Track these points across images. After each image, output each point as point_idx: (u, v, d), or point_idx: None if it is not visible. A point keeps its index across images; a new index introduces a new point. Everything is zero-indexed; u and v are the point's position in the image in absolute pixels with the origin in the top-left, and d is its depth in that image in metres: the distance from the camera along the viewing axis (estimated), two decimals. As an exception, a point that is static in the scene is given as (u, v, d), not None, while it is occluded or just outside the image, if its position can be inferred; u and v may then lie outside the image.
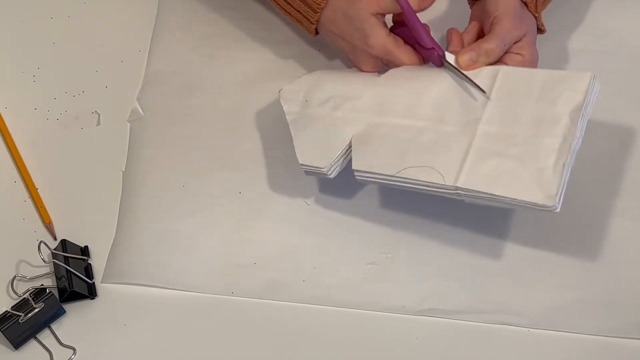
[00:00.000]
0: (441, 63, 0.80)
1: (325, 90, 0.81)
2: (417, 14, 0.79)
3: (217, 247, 0.81)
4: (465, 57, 0.78)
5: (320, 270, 0.80)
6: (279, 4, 0.87)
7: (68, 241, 0.81)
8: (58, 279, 0.79)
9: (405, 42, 0.81)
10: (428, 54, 0.80)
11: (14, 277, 0.79)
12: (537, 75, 0.76)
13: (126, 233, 0.82)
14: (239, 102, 0.91)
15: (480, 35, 0.82)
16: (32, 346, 0.77)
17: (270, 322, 0.78)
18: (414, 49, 0.81)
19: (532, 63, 0.81)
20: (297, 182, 0.85)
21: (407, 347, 0.76)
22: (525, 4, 0.81)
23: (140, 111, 0.90)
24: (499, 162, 0.72)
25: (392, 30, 0.82)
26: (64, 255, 0.79)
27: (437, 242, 0.81)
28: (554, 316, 0.77)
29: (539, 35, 0.84)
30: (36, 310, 0.76)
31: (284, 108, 0.82)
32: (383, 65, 0.82)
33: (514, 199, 0.70)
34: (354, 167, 0.76)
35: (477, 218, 0.82)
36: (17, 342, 0.76)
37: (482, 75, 0.78)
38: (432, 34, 0.80)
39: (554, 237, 0.82)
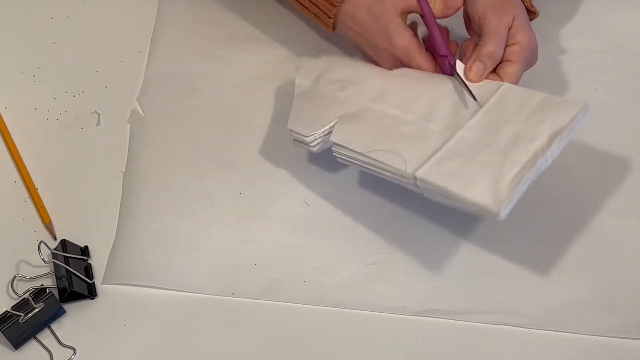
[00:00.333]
0: (452, 72, 0.80)
1: (338, 72, 0.84)
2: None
3: (217, 248, 0.81)
4: (474, 70, 0.78)
5: (321, 271, 0.80)
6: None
7: (68, 241, 0.81)
8: (58, 279, 0.79)
9: (428, 48, 0.82)
10: (441, 61, 0.81)
11: (14, 277, 0.79)
12: (535, 97, 0.76)
13: (126, 234, 0.82)
14: (239, 102, 0.91)
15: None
16: (32, 346, 0.77)
17: (270, 323, 0.78)
18: (433, 56, 0.81)
19: (531, 46, 0.80)
20: (297, 182, 0.85)
21: (407, 347, 0.76)
22: None
23: (140, 111, 0.90)
24: (463, 164, 0.72)
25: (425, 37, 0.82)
26: (64, 255, 0.79)
27: (437, 243, 0.81)
28: (554, 316, 0.78)
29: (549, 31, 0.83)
30: (36, 310, 0.76)
31: (296, 81, 0.84)
32: (402, 65, 0.82)
33: (464, 198, 0.70)
34: (331, 138, 0.78)
35: (477, 218, 0.82)
36: (17, 342, 0.76)
37: (484, 89, 0.78)
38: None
39: (554, 237, 0.82)
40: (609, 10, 0.98)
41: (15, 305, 0.77)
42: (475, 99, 0.77)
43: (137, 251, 0.81)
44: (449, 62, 0.80)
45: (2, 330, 0.75)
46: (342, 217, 0.83)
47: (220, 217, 0.83)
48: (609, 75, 0.93)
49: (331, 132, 0.79)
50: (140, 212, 0.83)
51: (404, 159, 0.74)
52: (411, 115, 0.78)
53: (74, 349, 0.76)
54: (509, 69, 0.79)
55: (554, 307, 0.78)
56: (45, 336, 0.77)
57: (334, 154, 0.79)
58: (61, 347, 0.76)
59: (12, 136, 0.89)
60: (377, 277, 0.80)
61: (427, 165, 0.73)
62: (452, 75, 0.80)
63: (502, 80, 0.79)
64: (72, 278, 0.78)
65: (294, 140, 0.81)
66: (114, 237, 0.82)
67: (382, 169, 0.75)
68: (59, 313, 0.77)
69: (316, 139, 0.79)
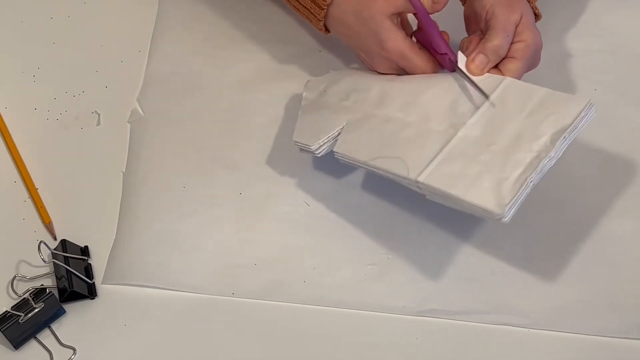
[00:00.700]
0: (453, 68, 0.80)
1: (343, 83, 0.84)
2: (434, 19, 0.79)
3: (218, 248, 0.81)
4: (476, 63, 0.78)
5: (321, 271, 0.80)
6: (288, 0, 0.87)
7: (68, 241, 0.81)
8: (58, 279, 0.79)
9: (423, 46, 0.81)
10: (441, 59, 0.80)
11: (14, 277, 0.79)
12: (538, 92, 0.75)
13: (126, 234, 0.82)
14: (239, 103, 0.91)
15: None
16: (32, 346, 0.77)
17: (270, 323, 0.78)
18: (431, 53, 0.81)
19: (535, 45, 0.79)
20: (297, 183, 0.85)
21: (407, 347, 0.76)
22: None
23: (141, 112, 0.90)
24: (466, 165, 0.72)
25: (413, 33, 0.82)
26: (64, 255, 0.79)
27: (437, 243, 0.81)
28: (554, 316, 0.78)
29: (549, 31, 0.83)
30: (36, 310, 0.76)
31: (303, 94, 0.85)
32: (398, 68, 0.82)
33: (467, 201, 0.69)
34: (334, 149, 0.79)
35: (477, 218, 0.82)
36: (17, 342, 0.76)
37: (486, 83, 0.77)
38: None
39: (554, 237, 0.82)
40: (610, 11, 0.98)
41: (15, 305, 0.77)
42: (482, 92, 0.76)
43: (137, 251, 0.81)
44: (449, 59, 0.80)
45: (2, 330, 0.75)
46: (342, 217, 0.83)
47: (220, 217, 0.83)
48: (609, 75, 0.93)
49: (336, 139, 0.79)
50: (140, 212, 0.83)
51: (406, 164, 0.73)
52: (412, 117, 0.78)
53: (74, 349, 0.76)
54: (511, 66, 0.78)
55: (554, 307, 0.78)
56: (45, 336, 0.77)
57: (335, 156, 0.79)
58: (61, 347, 0.76)
59: (12, 136, 0.89)
60: (377, 277, 0.80)
61: (429, 169, 0.72)
62: (453, 71, 0.80)
63: (504, 76, 0.78)
64: (72, 278, 0.78)
65: (300, 149, 0.81)
66: (114, 237, 0.82)
67: (385, 172, 0.75)
68: (59, 313, 0.77)
69: (321, 146, 0.80)
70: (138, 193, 0.85)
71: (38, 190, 0.85)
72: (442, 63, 0.81)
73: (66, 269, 0.78)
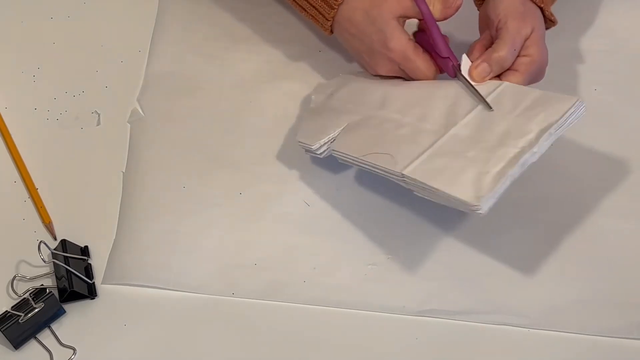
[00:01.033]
0: (454, 74, 0.80)
1: (350, 87, 0.85)
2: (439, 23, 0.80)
3: (217, 248, 0.81)
4: (479, 70, 0.78)
5: (321, 271, 0.80)
6: (294, 0, 0.87)
7: (68, 241, 0.81)
8: (58, 279, 0.79)
9: (424, 49, 0.81)
10: (443, 63, 0.81)
11: (14, 277, 0.79)
12: (532, 94, 0.76)
13: (126, 234, 0.82)
14: (238, 103, 0.91)
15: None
16: (32, 346, 0.77)
17: (270, 323, 0.78)
18: (431, 56, 0.81)
19: (541, 62, 0.80)
20: (297, 183, 0.85)
21: (407, 347, 0.76)
22: None
23: (141, 112, 0.90)
24: (452, 160, 0.73)
25: (413, 35, 0.82)
26: (64, 255, 0.79)
27: (437, 243, 0.81)
28: (553, 316, 0.78)
29: (549, 31, 0.84)
30: (36, 310, 0.76)
31: (312, 97, 0.87)
32: (399, 70, 0.82)
33: (446, 193, 0.70)
34: (332, 147, 0.80)
35: (477, 218, 0.82)
36: (17, 342, 0.76)
37: (484, 86, 0.78)
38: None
39: (554, 237, 0.82)
40: (610, 11, 0.98)
41: (15, 305, 0.77)
42: (482, 97, 0.76)
43: (137, 251, 0.81)
44: (452, 64, 0.80)
45: (2, 330, 0.75)
46: (342, 217, 0.83)
47: (221, 218, 0.83)
48: (609, 75, 0.93)
49: (335, 139, 0.80)
50: (140, 212, 0.83)
51: (395, 159, 0.74)
52: (409, 118, 0.78)
53: (74, 349, 0.76)
54: (512, 78, 0.79)
55: (553, 307, 0.78)
56: (45, 336, 0.77)
57: (333, 154, 0.80)
58: (61, 347, 0.76)
59: (12, 136, 0.89)
60: (377, 277, 0.80)
61: (415, 163, 0.73)
62: (454, 76, 0.80)
63: None
64: (72, 278, 0.78)
65: (305, 150, 0.82)
66: (114, 237, 0.82)
67: (376, 168, 0.76)
68: (59, 313, 0.77)
69: (321, 146, 0.81)
70: (138, 193, 0.85)
71: (38, 190, 0.85)
72: (443, 67, 0.81)
73: (66, 269, 0.78)
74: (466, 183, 0.70)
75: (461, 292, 0.79)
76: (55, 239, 0.82)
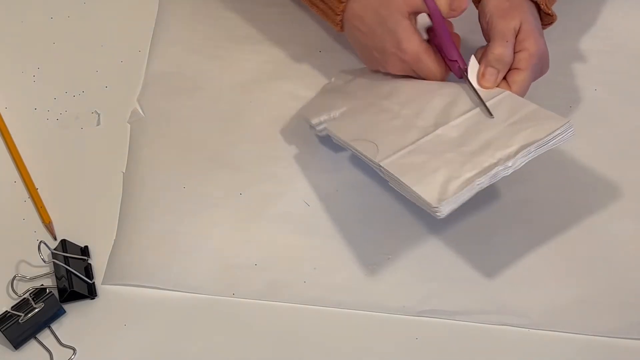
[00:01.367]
0: (461, 76, 0.80)
1: (368, 77, 0.87)
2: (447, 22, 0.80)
3: (218, 248, 0.81)
4: (486, 77, 0.78)
5: (321, 271, 0.80)
6: None
7: (68, 241, 0.81)
8: (58, 279, 0.79)
9: (436, 48, 0.81)
10: (451, 65, 0.81)
11: (14, 277, 0.79)
12: (527, 107, 0.76)
13: (126, 234, 0.82)
14: (239, 103, 0.91)
15: None
16: (32, 346, 0.77)
17: (270, 323, 0.78)
18: (442, 57, 0.81)
19: (539, 53, 0.79)
20: (297, 183, 0.85)
21: (407, 347, 0.76)
22: None
23: (141, 112, 0.90)
24: (428, 159, 0.73)
25: (427, 32, 0.82)
26: (64, 255, 0.79)
27: (437, 243, 0.81)
28: (554, 316, 0.78)
29: (549, 31, 0.83)
30: (36, 310, 0.76)
31: (332, 79, 0.90)
32: (410, 70, 0.82)
33: (412, 190, 0.71)
34: (328, 126, 0.82)
35: (477, 218, 0.82)
36: (17, 342, 0.76)
37: (486, 93, 0.78)
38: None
39: (554, 237, 0.82)
40: (610, 11, 0.98)
41: (15, 305, 0.76)
42: (489, 111, 0.77)
43: (137, 251, 0.81)
44: (459, 67, 0.80)
45: (2, 330, 0.75)
46: (342, 217, 0.83)
47: (221, 218, 0.83)
48: (609, 75, 0.93)
49: (334, 120, 0.82)
50: (140, 213, 0.83)
51: (378, 149, 0.75)
52: (406, 111, 0.79)
53: (74, 349, 0.76)
54: (517, 77, 0.79)
55: (554, 307, 0.78)
56: (45, 336, 0.77)
57: (328, 133, 0.82)
58: (61, 347, 0.76)
59: (12, 136, 0.89)
60: (378, 277, 0.80)
61: (394, 156, 0.74)
62: (461, 77, 0.80)
63: (510, 88, 0.79)
64: (72, 278, 0.78)
65: (309, 125, 0.84)
66: (114, 237, 0.82)
67: (361, 155, 0.77)
68: (59, 313, 0.77)
69: (320, 123, 0.83)
70: (138, 193, 0.85)
71: (38, 190, 0.85)
72: (452, 69, 0.81)
73: (66, 269, 0.78)
74: (434, 184, 0.71)
75: (461, 293, 0.79)
76: (55, 239, 0.82)
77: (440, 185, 0.70)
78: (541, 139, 0.72)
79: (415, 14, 0.80)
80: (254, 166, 0.86)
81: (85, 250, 0.82)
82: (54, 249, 0.80)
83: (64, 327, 0.78)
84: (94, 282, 0.80)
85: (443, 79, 0.82)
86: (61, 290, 0.78)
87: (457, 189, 0.70)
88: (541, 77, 0.82)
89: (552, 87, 0.90)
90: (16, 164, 0.87)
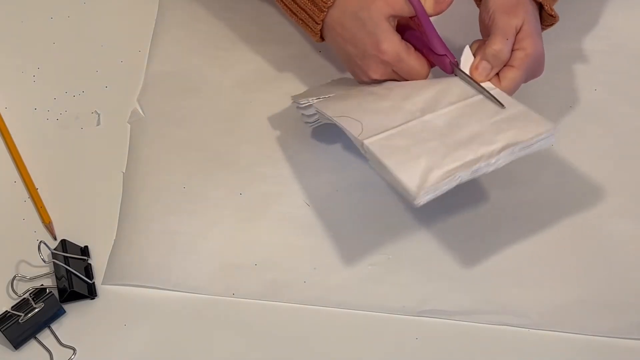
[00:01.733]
0: (452, 70, 0.80)
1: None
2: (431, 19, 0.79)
3: (218, 248, 0.81)
4: (479, 70, 0.78)
5: (321, 271, 0.80)
6: (284, 3, 0.86)
7: (68, 241, 0.81)
8: (58, 279, 0.79)
9: (415, 48, 0.81)
10: (439, 60, 0.80)
11: (14, 277, 0.79)
12: (516, 107, 0.76)
13: (127, 235, 0.82)
14: (239, 103, 0.91)
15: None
16: (32, 346, 0.77)
17: (270, 323, 0.78)
18: (424, 55, 0.81)
19: (536, 55, 0.79)
20: (297, 183, 0.85)
21: (407, 347, 0.76)
22: None
23: (141, 112, 0.90)
24: (412, 144, 0.73)
25: (404, 35, 0.82)
26: (64, 255, 0.79)
27: (437, 243, 0.81)
28: (554, 317, 0.77)
29: (550, 31, 0.83)
30: (36, 310, 0.76)
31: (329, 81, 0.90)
32: (392, 72, 0.81)
33: (393, 174, 0.71)
34: (315, 104, 0.82)
35: (478, 218, 0.82)
36: (17, 342, 0.76)
37: (478, 87, 0.78)
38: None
39: (554, 237, 0.82)
40: (610, 11, 0.98)
41: (15, 305, 0.76)
42: (498, 101, 0.76)
43: (137, 252, 0.81)
44: (450, 61, 0.80)
45: (2, 330, 0.75)
46: (342, 217, 0.83)
47: (221, 218, 0.83)
48: (609, 75, 0.93)
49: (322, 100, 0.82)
50: (141, 213, 0.83)
51: (363, 128, 0.75)
52: (394, 94, 0.79)
53: (74, 349, 0.76)
54: (509, 74, 0.78)
55: (554, 307, 0.78)
56: (45, 336, 0.77)
57: (315, 109, 0.82)
58: (61, 347, 0.76)
59: (12, 136, 0.89)
60: (377, 277, 0.80)
61: (378, 136, 0.74)
62: (451, 73, 0.80)
63: (500, 83, 0.78)
64: (72, 278, 0.78)
65: (297, 107, 0.84)
66: (114, 237, 0.82)
67: (345, 132, 0.77)
68: (59, 313, 0.77)
69: (308, 104, 0.82)
70: (138, 193, 0.85)
71: (38, 190, 0.85)
72: (439, 64, 0.80)
73: (66, 269, 0.78)
74: (415, 171, 0.70)
75: (461, 292, 0.79)
76: (55, 239, 0.82)
77: (420, 174, 0.70)
78: (526, 140, 0.72)
79: (395, 16, 0.80)
80: (254, 166, 0.86)
81: (85, 250, 0.82)
82: (54, 249, 0.80)
83: (64, 327, 0.78)
84: (94, 282, 0.80)
85: (426, 78, 0.81)
86: (61, 290, 0.78)
87: (438, 179, 0.70)
88: (542, 76, 0.82)
89: (552, 87, 0.90)
90: (16, 164, 0.87)
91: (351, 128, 0.76)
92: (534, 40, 0.79)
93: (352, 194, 0.84)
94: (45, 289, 0.77)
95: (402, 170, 0.71)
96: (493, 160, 0.71)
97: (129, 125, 0.90)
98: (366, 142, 0.74)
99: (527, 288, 0.79)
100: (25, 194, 0.85)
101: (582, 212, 0.83)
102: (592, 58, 0.94)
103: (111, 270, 0.80)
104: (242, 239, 0.82)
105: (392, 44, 0.79)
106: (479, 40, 0.81)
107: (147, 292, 0.79)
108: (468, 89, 0.78)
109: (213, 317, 0.78)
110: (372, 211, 0.83)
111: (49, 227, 0.83)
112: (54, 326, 0.77)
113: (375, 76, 0.82)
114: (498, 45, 0.78)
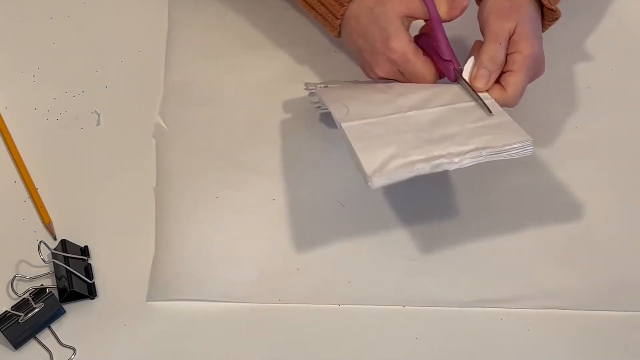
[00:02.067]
0: (455, 77, 0.80)
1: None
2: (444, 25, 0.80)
3: (257, 256, 0.80)
4: (478, 79, 0.78)
5: (364, 270, 0.79)
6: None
7: (68, 241, 0.81)
8: (58, 279, 0.79)
9: (425, 53, 0.81)
10: (444, 66, 0.80)
11: (14, 277, 0.79)
12: (501, 117, 0.76)
13: (166, 249, 0.81)
14: (259, 108, 0.90)
15: None
16: (32, 346, 0.77)
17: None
18: (433, 61, 0.81)
19: (534, 56, 0.78)
20: (329, 184, 0.84)
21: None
22: None
23: (164, 125, 0.89)
24: (386, 134, 0.74)
25: (415, 39, 0.82)
26: (64, 255, 0.79)
27: (477, 234, 0.82)
28: (592, 297, 0.78)
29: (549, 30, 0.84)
30: (36, 310, 0.75)
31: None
32: (398, 72, 0.81)
33: (356, 155, 0.71)
34: (317, 90, 0.84)
35: (499, 210, 0.83)
36: (17, 342, 0.76)
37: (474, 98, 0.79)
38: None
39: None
40: (610, 11, 0.98)
41: (15, 305, 0.76)
42: (488, 109, 0.76)
43: (179, 265, 0.79)
44: (454, 68, 0.80)
45: (2, 330, 0.75)
46: (377, 215, 0.82)
47: (256, 225, 0.82)
48: (609, 75, 0.93)
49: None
50: (177, 228, 0.82)
51: (348, 113, 0.76)
52: (393, 92, 0.80)
53: (74, 349, 0.76)
54: (511, 79, 0.78)
55: (590, 286, 0.79)
56: (45, 336, 0.77)
57: (317, 93, 0.83)
58: (61, 347, 0.76)
59: (12, 136, 0.89)
60: (420, 271, 0.79)
61: (358, 122, 0.75)
62: (454, 80, 0.80)
63: (506, 91, 0.78)
64: (72, 278, 0.78)
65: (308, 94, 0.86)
66: (116, 239, 0.82)
67: (332, 113, 0.77)
68: (59, 313, 0.77)
69: (316, 87, 0.84)
70: (172, 208, 0.83)
71: (38, 190, 0.85)
72: (444, 70, 0.81)
73: (66, 269, 0.78)
74: (378, 156, 0.71)
75: (507, 281, 0.79)
76: (55, 239, 0.82)
77: (382, 159, 0.70)
78: (497, 147, 0.72)
79: (409, 17, 0.80)
80: (283, 171, 0.85)
81: (85, 250, 0.82)
82: (54, 249, 0.79)
83: (64, 327, 0.77)
84: (94, 282, 0.80)
85: (432, 82, 0.81)
86: (61, 290, 0.78)
87: (397, 167, 0.70)
88: (540, 78, 0.82)
89: (551, 87, 0.90)
90: (16, 164, 0.87)
91: (336, 112, 0.76)
92: (530, 41, 0.78)
93: (385, 191, 0.84)
94: (45, 289, 0.77)
95: (365, 153, 0.71)
96: (457, 159, 0.71)
97: (154, 140, 0.88)
98: (344, 124, 0.74)
99: (569, 271, 0.80)
100: (25, 194, 0.85)
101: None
102: (592, 58, 0.94)
103: (155, 287, 0.79)
104: (281, 245, 0.81)
105: (401, 43, 0.79)
106: (479, 40, 0.81)
107: (146, 292, 0.79)
108: (463, 95, 0.78)
109: (213, 317, 0.77)
110: (407, 207, 0.83)
111: (49, 227, 0.83)
112: (54, 326, 0.77)
113: (381, 74, 0.82)
114: (491, 50, 0.78)
